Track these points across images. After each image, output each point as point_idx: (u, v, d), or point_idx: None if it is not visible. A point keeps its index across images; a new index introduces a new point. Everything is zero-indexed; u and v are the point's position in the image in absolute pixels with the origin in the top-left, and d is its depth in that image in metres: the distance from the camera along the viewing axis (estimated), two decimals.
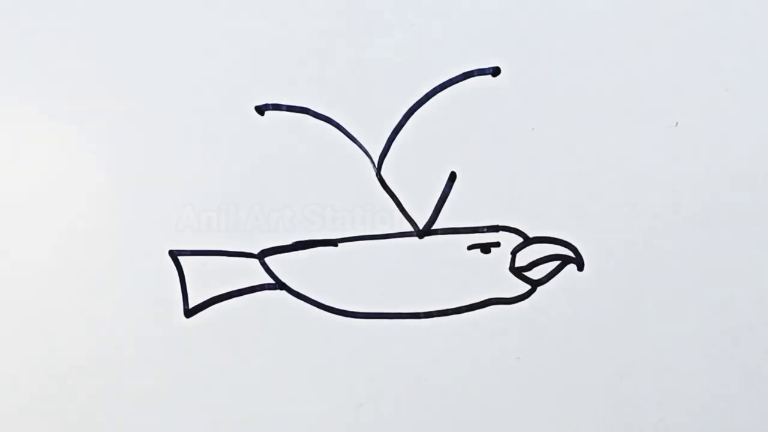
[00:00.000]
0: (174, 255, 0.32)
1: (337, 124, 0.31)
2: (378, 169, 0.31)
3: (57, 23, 0.32)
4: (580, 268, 0.31)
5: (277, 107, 0.31)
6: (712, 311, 0.30)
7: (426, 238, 0.31)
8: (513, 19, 0.31)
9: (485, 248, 0.31)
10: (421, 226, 0.31)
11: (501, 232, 0.31)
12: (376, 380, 0.31)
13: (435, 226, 0.31)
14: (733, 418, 0.30)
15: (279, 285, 0.32)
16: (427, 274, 0.31)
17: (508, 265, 0.31)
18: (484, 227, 0.31)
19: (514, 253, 0.31)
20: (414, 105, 0.31)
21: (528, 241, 0.31)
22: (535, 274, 0.31)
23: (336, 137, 0.31)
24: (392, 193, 0.31)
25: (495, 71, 0.30)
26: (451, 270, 0.31)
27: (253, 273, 0.32)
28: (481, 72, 0.31)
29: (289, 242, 0.31)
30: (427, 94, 0.31)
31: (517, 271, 0.31)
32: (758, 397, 0.30)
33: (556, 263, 0.31)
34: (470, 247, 0.31)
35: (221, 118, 0.32)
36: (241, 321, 0.32)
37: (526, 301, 0.31)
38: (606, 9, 0.30)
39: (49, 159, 0.32)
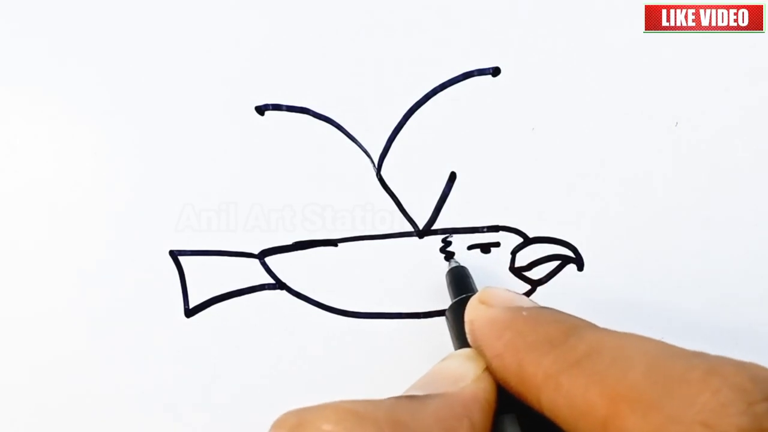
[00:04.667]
0: (174, 255, 0.32)
1: (337, 124, 0.31)
2: (378, 169, 0.31)
3: (56, 22, 0.32)
4: (580, 268, 0.31)
5: (277, 107, 0.31)
6: (712, 311, 0.30)
7: (426, 238, 0.31)
8: (513, 19, 0.31)
9: (485, 248, 0.31)
10: (421, 226, 0.31)
11: (501, 232, 0.31)
12: (376, 380, 0.31)
13: (435, 226, 0.31)
14: None
15: (279, 285, 0.32)
16: (427, 274, 0.31)
17: (508, 265, 0.31)
18: (484, 227, 0.31)
19: (514, 253, 0.31)
20: (414, 105, 0.31)
21: (528, 241, 0.31)
22: (535, 274, 0.31)
23: (336, 137, 0.31)
24: (392, 193, 0.31)
25: (495, 71, 0.31)
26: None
27: (253, 273, 0.32)
28: (481, 72, 0.31)
29: (289, 242, 0.31)
30: (427, 94, 0.31)
31: (517, 271, 0.31)
32: None
33: (556, 263, 0.31)
34: (470, 247, 0.31)
35: (221, 118, 0.32)
36: (241, 321, 0.32)
37: None
38: (606, 9, 0.30)
39: (48, 159, 0.32)
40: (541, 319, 0.18)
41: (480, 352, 0.19)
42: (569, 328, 0.17)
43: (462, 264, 0.30)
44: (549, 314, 0.19)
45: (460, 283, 0.28)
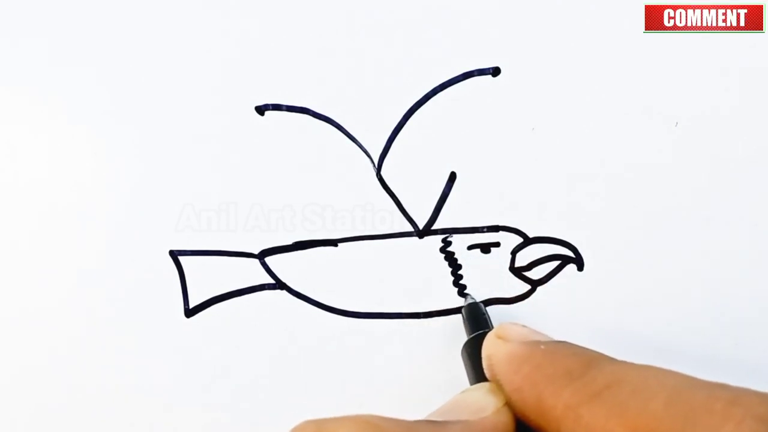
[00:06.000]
0: (174, 255, 0.32)
1: (337, 124, 0.31)
2: (378, 169, 0.31)
3: (56, 23, 0.32)
4: (580, 268, 0.31)
5: (277, 107, 0.31)
6: (712, 311, 0.30)
7: (426, 238, 0.31)
8: (513, 19, 0.31)
9: (485, 248, 0.31)
10: (421, 226, 0.31)
11: (501, 232, 0.31)
12: (376, 380, 0.31)
13: (435, 226, 0.31)
14: None
15: (279, 285, 0.32)
16: (427, 274, 0.31)
17: (508, 265, 0.31)
18: (484, 227, 0.31)
19: (514, 253, 0.31)
20: (414, 105, 0.31)
21: (528, 241, 0.31)
22: (535, 274, 0.31)
23: (336, 137, 0.31)
24: (392, 193, 0.31)
25: (495, 71, 0.31)
26: (451, 270, 0.31)
27: (253, 273, 0.32)
28: (481, 72, 0.31)
29: (289, 242, 0.32)
30: (427, 94, 0.31)
31: (517, 271, 0.31)
32: None
33: (556, 263, 0.31)
34: (470, 247, 0.31)
35: (221, 118, 0.32)
36: (241, 321, 0.32)
37: (526, 301, 0.31)
38: (606, 9, 0.30)
39: (47, 159, 0.32)
40: (559, 353, 0.19)
41: (499, 387, 0.20)
42: (588, 361, 0.18)
43: (477, 300, 0.30)
44: (567, 348, 0.19)
45: (476, 319, 0.29)
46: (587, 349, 0.19)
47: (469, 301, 0.30)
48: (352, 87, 0.31)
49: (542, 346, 0.19)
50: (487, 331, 0.22)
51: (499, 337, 0.20)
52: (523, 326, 0.21)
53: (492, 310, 0.31)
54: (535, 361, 0.19)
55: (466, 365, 0.26)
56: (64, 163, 0.32)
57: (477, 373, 0.23)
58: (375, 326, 0.31)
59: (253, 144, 0.31)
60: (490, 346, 0.20)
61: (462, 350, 0.27)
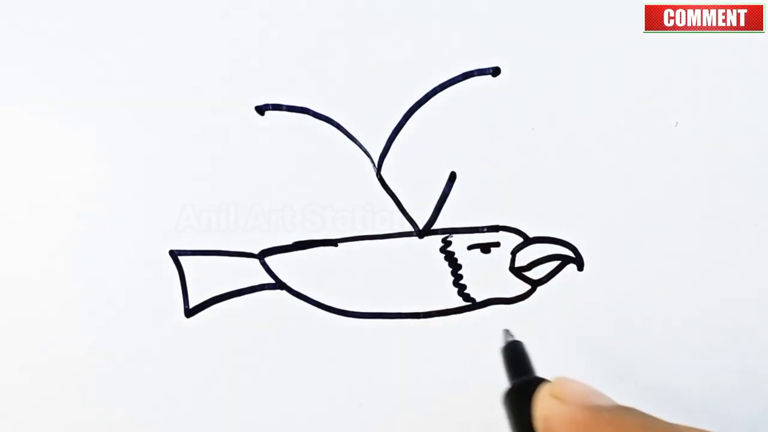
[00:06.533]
0: (174, 255, 0.32)
1: (337, 124, 0.31)
2: (378, 169, 0.31)
3: (56, 22, 0.32)
4: (580, 268, 0.31)
5: (277, 107, 0.31)
6: (712, 311, 0.30)
7: (426, 238, 0.31)
8: (513, 19, 0.31)
9: (485, 248, 0.31)
10: (421, 226, 0.31)
11: (501, 232, 0.31)
12: (376, 380, 0.31)
13: (435, 226, 0.31)
14: (733, 418, 0.30)
15: (279, 285, 0.32)
16: (427, 274, 0.31)
17: (508, 265, 0.31)
18: (484, 227, 0.31)
19: (514, 253, 0.31)
20: (414, 105, 0.31)
21: (528, 241, 0.31)
22: (535, 274, 0.31)
23: (336, 137, 0.31)
24: (392, 193, 0.31)
25: (495, 71, 0.31)
26: (451, 270, 0.31)
27: (253, 273, 0.32)
28: (481, 72, 0.31)
29: (289, 242, 0.32)
30: (427, 94, 0.31)
31: (517, 271, 0.31)
32: (758, 398, 0.30)
33: (556, 263, 0.31)
34: (470, 247, 0.31)
35: (221, 118, 0.32)
36: (241, 321, 0.32)
37: (526, 301, 0.31)
38: (606, 9, 0.30)
39: (48, 159, 0.32)
40: (626, 421, 0.18)
41: None
42: None
43: (517, 338, 0.28)
44: (633, 416, 0.18)
45: (519, 362, 0.27)
46: (655, 418, 0.18)
47: (509, 339, 0.28)
48: (352, 87, 0.31)
49: (606, 414, 0.18)
50: (532, 380, 0.20)
51: (555, 397, 0.19)
52: (581, 383, 0.20)
53: (492, 310, 0.31)
54: (598, 430, 0.18)
55: (509, 415, 0.24)
56: (65, 164, 0.32)
57: (523, 427, 0.22)
58: (375, 326, 0.31)
59: (253, 144, 0.31)
60: (546, 407, 0.19)
61: (504, 397, 0.24)
